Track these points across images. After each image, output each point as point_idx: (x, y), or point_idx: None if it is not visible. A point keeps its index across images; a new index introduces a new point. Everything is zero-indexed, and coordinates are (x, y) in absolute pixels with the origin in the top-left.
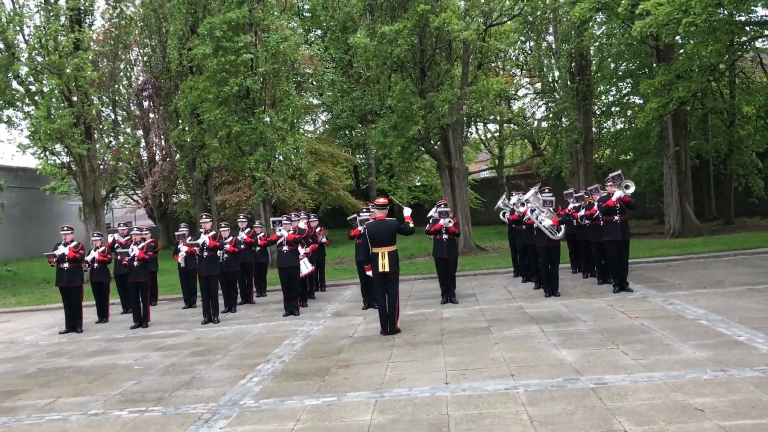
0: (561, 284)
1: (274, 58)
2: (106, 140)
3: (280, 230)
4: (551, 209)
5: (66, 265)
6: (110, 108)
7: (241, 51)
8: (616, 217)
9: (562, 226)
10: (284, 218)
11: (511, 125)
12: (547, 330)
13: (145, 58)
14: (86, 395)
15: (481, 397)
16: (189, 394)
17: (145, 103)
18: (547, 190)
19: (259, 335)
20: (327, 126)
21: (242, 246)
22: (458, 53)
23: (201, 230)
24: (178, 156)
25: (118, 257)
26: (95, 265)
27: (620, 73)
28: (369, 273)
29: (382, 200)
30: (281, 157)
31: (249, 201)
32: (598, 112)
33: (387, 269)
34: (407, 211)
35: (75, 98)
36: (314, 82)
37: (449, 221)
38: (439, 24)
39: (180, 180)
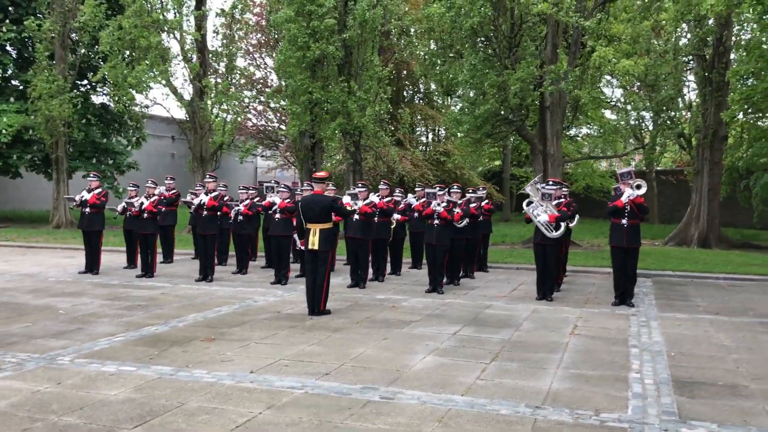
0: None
1: (362, 27)
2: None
3: (272, 197)
4: (551, 203)
5: (87, 209)
6: (223, 69)
7: (326, 15)
8: (624, 221)
9: (562, 224)
10: (281, 185)
11: (661, 114)
12: (462, 334)
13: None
14: None
15: (248, 392)
16: (44, 343)
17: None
18: (551, 182)
19: (211, 299)
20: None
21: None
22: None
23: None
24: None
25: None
26: (127, 213)
27: None
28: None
29: (321, 174)
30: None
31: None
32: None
33: (316, 247)
34: (346, 198)
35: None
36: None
37: (439, 204)
38: None
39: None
